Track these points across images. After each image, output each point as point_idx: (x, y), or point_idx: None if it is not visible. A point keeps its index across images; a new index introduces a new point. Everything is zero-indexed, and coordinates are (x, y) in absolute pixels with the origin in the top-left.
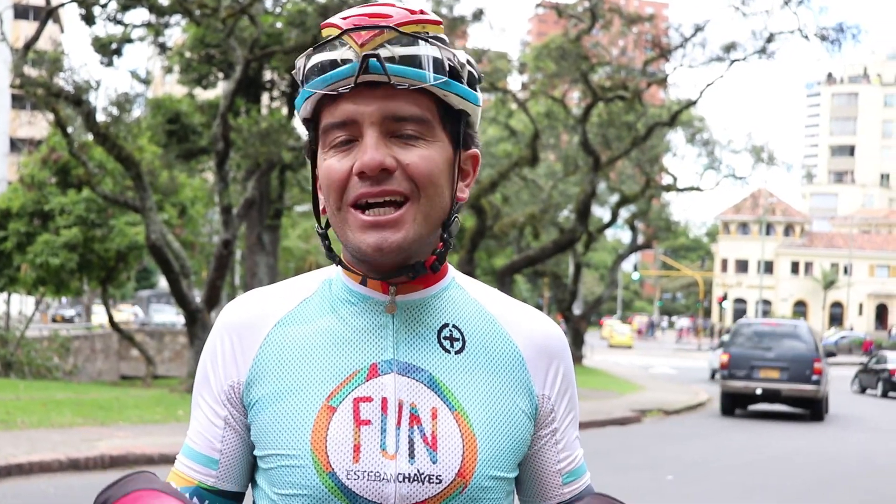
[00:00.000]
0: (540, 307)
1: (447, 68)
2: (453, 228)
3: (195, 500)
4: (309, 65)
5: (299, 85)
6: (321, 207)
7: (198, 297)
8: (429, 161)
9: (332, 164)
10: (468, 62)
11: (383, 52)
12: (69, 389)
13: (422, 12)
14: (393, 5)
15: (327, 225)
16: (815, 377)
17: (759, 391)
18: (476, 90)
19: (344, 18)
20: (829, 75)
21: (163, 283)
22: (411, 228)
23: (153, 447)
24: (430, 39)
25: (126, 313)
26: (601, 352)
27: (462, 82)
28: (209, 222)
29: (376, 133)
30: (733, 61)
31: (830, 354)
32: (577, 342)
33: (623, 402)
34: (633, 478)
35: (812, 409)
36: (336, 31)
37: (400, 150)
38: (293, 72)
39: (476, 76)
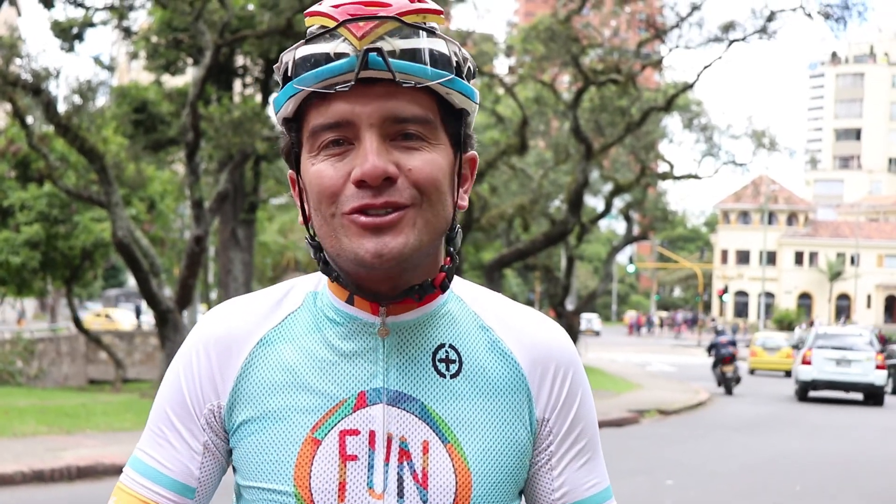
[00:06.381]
0: (531, 302)
1: (453, 64)
2: (457, 241)
3: None
4: (298, 57)
5: (279, 82)
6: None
7: (169, 296)
8: (433, 165)
9: (323, 170)
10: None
11: (384, 46)
12: (33, 395)
13: (422, 0)
14: None
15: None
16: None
17: None
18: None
19: (335, 7)
20: (834, 55)
21: (132, 281)
22: (412, 233)
23: (123, 456)
24: (432, 30)
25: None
26: (596, 348)
27: (463, 78)
28: (180, 217)
29: (376, 137)
30: (732, 42)
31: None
32: (570, 339)
33: (620, 402)
34: (630, 483)
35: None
36: (327, 22)
37: (401, 155)
38: (275, 66)
39: (473, 71)
